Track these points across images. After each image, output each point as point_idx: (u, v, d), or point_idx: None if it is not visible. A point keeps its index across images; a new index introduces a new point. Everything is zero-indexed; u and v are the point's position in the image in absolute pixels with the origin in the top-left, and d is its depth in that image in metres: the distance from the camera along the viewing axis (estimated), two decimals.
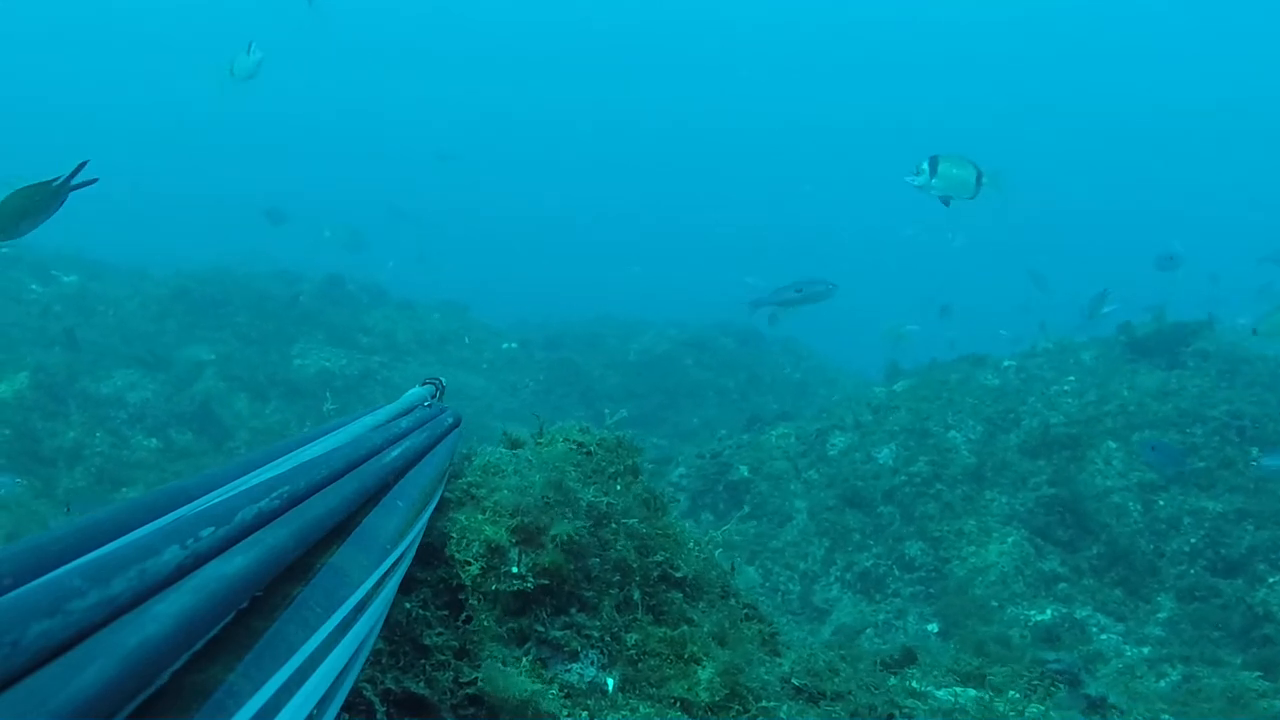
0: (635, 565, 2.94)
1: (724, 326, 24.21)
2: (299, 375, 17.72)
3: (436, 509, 2.62)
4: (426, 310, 23.21)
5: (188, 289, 20.20)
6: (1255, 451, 10.52)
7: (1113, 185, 70.11)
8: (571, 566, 2.72)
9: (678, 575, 3.06)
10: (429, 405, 3.16)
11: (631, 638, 2.79)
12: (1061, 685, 5.53)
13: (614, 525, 2.93)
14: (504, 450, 3.20)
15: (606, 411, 3.62)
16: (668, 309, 26.92)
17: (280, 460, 1.92)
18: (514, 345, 22.37)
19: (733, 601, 3.28)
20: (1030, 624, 9.40)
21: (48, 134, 62.02)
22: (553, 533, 2.67)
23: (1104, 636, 9.26)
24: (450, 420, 3.03)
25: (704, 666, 2.77)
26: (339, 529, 1.71)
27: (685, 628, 2.87)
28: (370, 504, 1.94)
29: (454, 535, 2.62)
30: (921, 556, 10.65)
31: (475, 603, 2.55)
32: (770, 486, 12.24)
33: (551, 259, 57.29)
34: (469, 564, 2.57)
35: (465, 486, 2.77)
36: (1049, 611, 9.54)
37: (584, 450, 3.24)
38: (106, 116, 71.30)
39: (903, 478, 11.43)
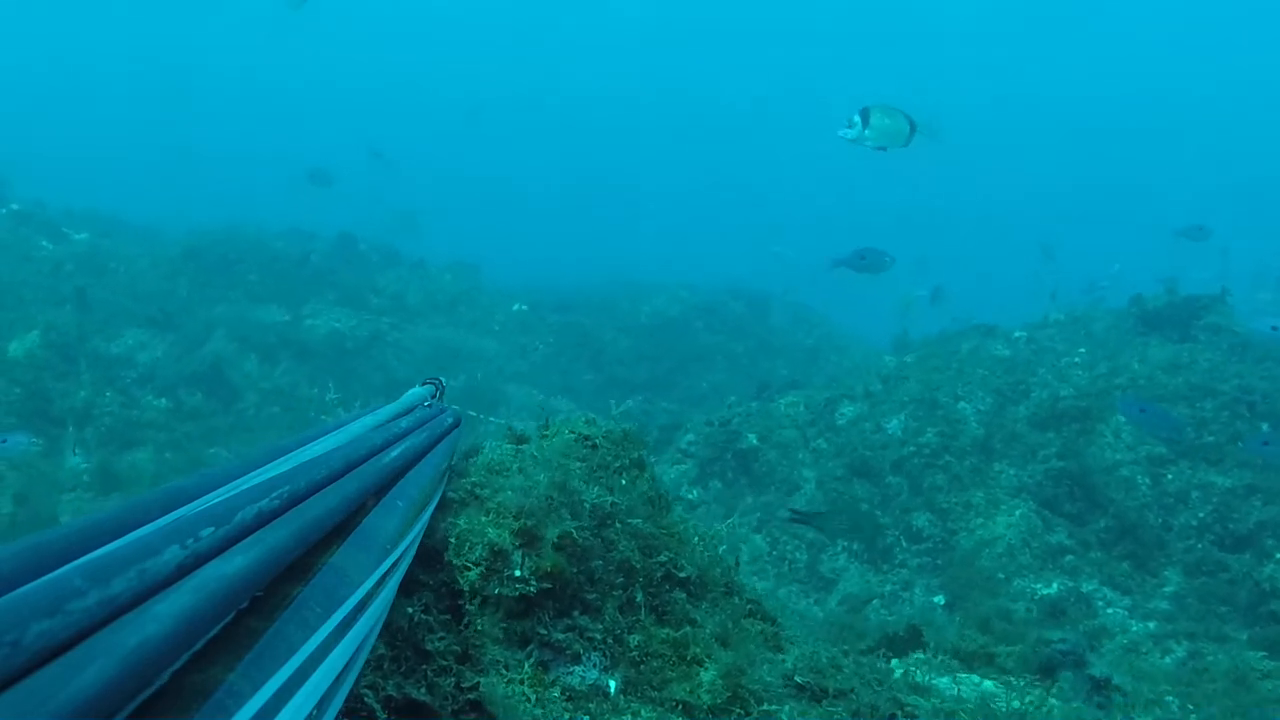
0: (639, 566, 2.93)
1: (735, 291, 24.15)
2: (309, 336, 17.74)
3: (440, 509, 2.62)
4: (438, 271, 23.16)
5: (199, 248, 20.19)
6: (1265, 427, 10.49)
7: (1120, 158, 69.73)
8: (574, 569, 2.72)
9: (681, 575, 3.06)
10: (429, 405, 3.16)
11: (634, 639, 2.79)
12: (1067, 666, 5.54)
13: (618, 525, 2.93)
14: (508, 446, 3.19)
15: (612, 403, 3.61)
16: (679, 272, 26.82)
17: (280, 460, 1.92)
18: (525, 307, 22.33)
19: (736, 600, 3.28)
20: (1036, 597, 9.41)
21: (58, 99, 62.21)
22: (556, 535, 2.67)
23: (1110, 611, 9.27)
24: (450, 420, 3.03)
25: (706, 668, 2.77)
26: (339, 529, 1.72)
27: (688, 629, 2.87)
28: (370, 504, 1.94)
29: (455, 539, 2.61)
30: (929, 528, 10.66)
31: (472, 608, 2.55)
32: (779, 455, 12.25)
33: (564, 219, 57.09)
34: (468, 569, 2.56)
35: (470, 486, 2.77)
36: (1055, 585, 9.55)
37: (589, 443, 3.23)
38: (114, 75, 71.30)
39: (911, 448, 11.43)
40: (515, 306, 22.26)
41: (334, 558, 1.59)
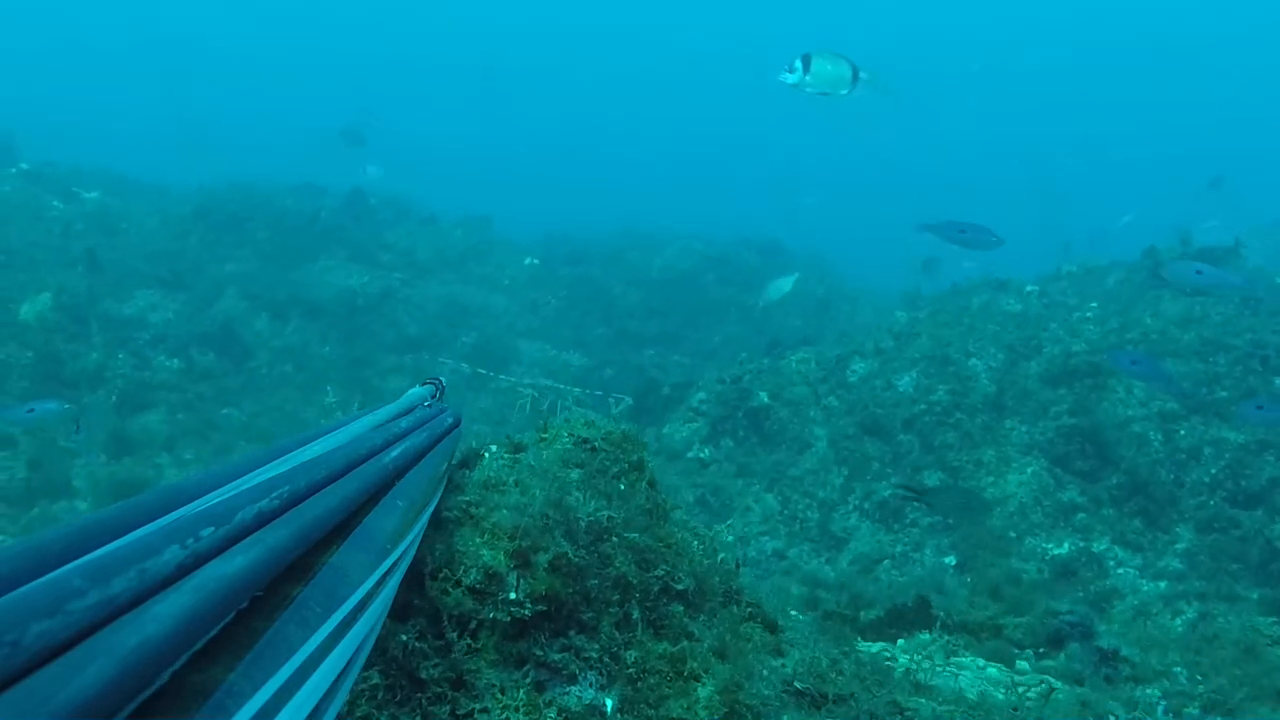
0: (635, 581, 2.90)
1: (747, 241, 24.06)
2: (320, 294, 17.73)
3: (436, 528, 2.61)
4: (449, 226, 23.08)
5: (209, 206, 20.16)
6: (1278, 382, 10.44)
7: (1132, 108, 69.12)
8: (570, 590, 2.70)
9: (679, 588, 3.03)
10: (429, 405, 3.15)
11: (631, 655, 2.78)
12: (1074, 638, 5.55)
13: (614, 539, 2.90)
14: (506, 456, 3.17)
15: (612, 400, 3.60)
16: (693, 223, 26.65)
17: (280, 460, 1.92)
18: (536, 261, 22.28)
19: (734, 608, 3.26)
20: (1048, 558, 9.42)
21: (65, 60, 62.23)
22: (551, 558, 2.65)
23: (1121, 571, 9.27)
24: (450, 420, 3.02)
25: (703, 684, 2.76)
26: (339, 529, 1.72)
27: (685, 643, 2.86)
28: (370, 504, 1.95)
29: (441, 563, 2.60)
30: (940, 486, 10.64)
31: (453, 635, 2.54)
32: (790, 413, 12.23)
33: (579, 172, 56.87)
34: (447, 593, 2.55)
35: (464, 505, 2.75)
36: (1066, 545, 9.55)
37: (588, 446, 3.20)
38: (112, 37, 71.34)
39: (922, 406, 11.40)
40: (527, 260, 22.21)
41: (334, 557, 1.60)
